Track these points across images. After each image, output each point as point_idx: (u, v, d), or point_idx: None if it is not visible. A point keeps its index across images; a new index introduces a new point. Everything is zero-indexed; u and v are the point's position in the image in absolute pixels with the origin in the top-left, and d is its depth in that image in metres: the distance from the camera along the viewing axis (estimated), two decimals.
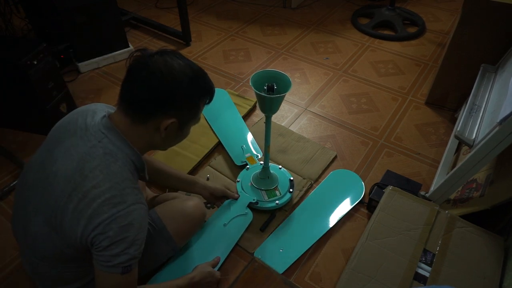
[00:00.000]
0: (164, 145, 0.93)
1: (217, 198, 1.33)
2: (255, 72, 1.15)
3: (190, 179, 1.26)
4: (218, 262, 1.21)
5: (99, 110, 0.89)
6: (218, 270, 1.20)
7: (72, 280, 0.95)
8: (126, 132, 0.85)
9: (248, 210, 1.35)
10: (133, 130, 0.85)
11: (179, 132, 0.90)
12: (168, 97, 0.82)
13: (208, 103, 0.92)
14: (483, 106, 1.32)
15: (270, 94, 1.15)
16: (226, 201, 1.38)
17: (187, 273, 1.11)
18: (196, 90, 0.86)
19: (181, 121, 0.87)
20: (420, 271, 1.10)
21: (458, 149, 1.54)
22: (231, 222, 1.32)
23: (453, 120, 1.79)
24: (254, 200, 1.37)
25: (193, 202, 1.15)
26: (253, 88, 1.12)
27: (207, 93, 0.90)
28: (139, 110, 0.83)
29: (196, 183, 1.26)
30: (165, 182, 1.24)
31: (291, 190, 1.42)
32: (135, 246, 0.81)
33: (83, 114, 0.88)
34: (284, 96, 1.13)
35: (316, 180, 1.53)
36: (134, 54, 0.84)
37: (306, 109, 1.89)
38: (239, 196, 1.38)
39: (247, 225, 1.32)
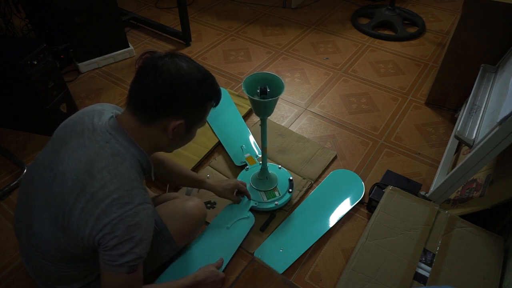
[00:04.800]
0: (170, 147, 0.94)
1: (230, 192, 1.34)
2: (246, 76, 1.15)
3: (199, 177, 1.29)
4: (222, 263, 1.21)
5: (106, 111, 0.89)
6: (222, 271, 1.20)
7: (75, 280, 0.96)
8: (134, 133, 0.85)
9: (250, 214, 1.35)
10: (141, 131, 0.85)
11: (186, 134, 0.91)
12: (177, 99, 0.83)
13: (215, 106, 0.94)
14: (483, 106, 1.32)
15: (263, 97, 1.15)
16: (229, 204, 1.38)
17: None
18: (204, 92, 0.87)
19: (188, 122, 0.88)
20: (420, 271, 1.10)
21: (458, 149, 1.54)
22: (233, 225, 1.32)
23: (453, 120, 1.79)
24: (256, 204, 1.37)
25: (193, 202, 1.15)
26: (245, 92, 1.12)
27: (214, 95, 0.91)
28: (147, 111, 0.83)
29: (205, 182, 1.29)
30: (176, 182, 1.28)
31: (290, 190, 1.42)
32: (142, 245, 0.82)
33: (89, 114, 0.88)
34: (277, 99, 1.13)
35: (316, 180, 1.53)
36: (144, 56, 0.85)
37: (306, 109, 1.89)
38: (249, 194, 1.39)
39: (249, 228, 1.32)
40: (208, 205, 1.41)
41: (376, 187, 1.40)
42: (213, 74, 0.92)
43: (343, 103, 1.92)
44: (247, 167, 1.51)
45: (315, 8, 2.79)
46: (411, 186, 1.43)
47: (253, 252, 1.26)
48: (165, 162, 1.20)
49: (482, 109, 1.31)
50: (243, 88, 1.13)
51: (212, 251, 1.25)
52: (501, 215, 1.24)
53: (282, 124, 1.79)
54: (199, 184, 1.29)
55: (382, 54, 2.28)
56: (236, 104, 1.86)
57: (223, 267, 1.21)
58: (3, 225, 1.37)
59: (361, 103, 1.92)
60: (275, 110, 1.86)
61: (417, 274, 1.10)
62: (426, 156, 1.63)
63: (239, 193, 1.39)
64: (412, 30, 2.48)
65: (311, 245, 1.29)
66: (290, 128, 1.77)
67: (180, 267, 1.20)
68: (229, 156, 1.59)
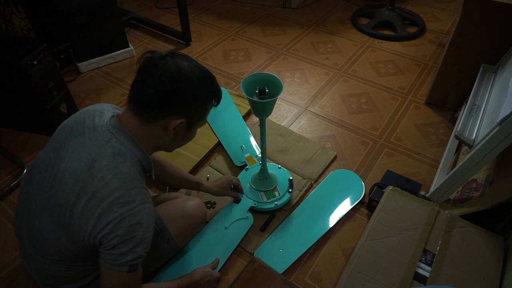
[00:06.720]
0: (171, 146, 0.94)
1: (227, 189, 1.34)
2: (245, 77, 1.15)
3: (197, 180, 1.29)
4: (218, 263, 1.21)
5: (106, 110, 0.90)
6: (218, 271, 1.20)
7: (76, 279, 0.96)
8: (135, 132, 0.86)
9: (249, 214, 1.35)
10: (142, 130, 0.86)
11: (187, 133, 0.92)
12: (178, 98, 0.83)
13: (216, 105, 0.94)
14: (483, 106, 1.32)
15: (262, 97, 1.15)
16: (228, 204, 1.38)
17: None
18: (205, 91, 0.87)
19: (189, 122, 0.88)
20: (420, 271, 1.10)
21: (458, 149, 1.54)
22: (232, 225, 1.32)
23: (453, 120, 1.79)
24: (255, 204, 1.37)
25: (193, 202, 1.15)
26: (243, 93, 1.12)
27: (215, 95, 0.92)
28: (148, 110, 0.84)
29: (202, 184, 1.29)
30: (174, 184, 1.27)
31: (290, 190, 1.42)
32: (142, 244, 0.82)
33: (90, 114, 0.88)
34: (275, 100, 1.13)
35: (316, 180, 1.53)
36: (145, 56, 0.86)
37: (306, 109, 1.89)
38: (243, 192, 1.39)
39: (247, 229, 1.32)
40: (208, 205, 1.41)
41: (376, 187, 1.40)
42: (213, 74, 0.92)
43: (343, 103, 1.92)
44: (247, 167, 1.51)
45: (315, 8, 2.79)
46: (411, 186, 1.43)
47: (253, 252, 1.27)
48: (163, 164, 1.20)
49: (482, 109, 1.31)
50: (241, 89, 1.13)
51: (209, 250, 1.25)
52: (501, 215, 1.25)
53: (282, 124, 1.79)
54: (197, 186, 1.29)
55: (382, 54, 2.28)
56: (236, 104, 1.86)
57: (219, 267, 1.21)
58: (3, 225, 1.37)
59: (361, 103, 1.92)
60: (275, 110, 1.87)
61: (417, 274, 1.10)
62: (426, 156, 1.63)
63: (235, 188, 1.39)
64: (412, 30, 2.48)
65: (311, 245, 1.29)
66: (290, 128, 1.77)
67: (177, 266, 1.20)
68: (229, 156, 1.59)
